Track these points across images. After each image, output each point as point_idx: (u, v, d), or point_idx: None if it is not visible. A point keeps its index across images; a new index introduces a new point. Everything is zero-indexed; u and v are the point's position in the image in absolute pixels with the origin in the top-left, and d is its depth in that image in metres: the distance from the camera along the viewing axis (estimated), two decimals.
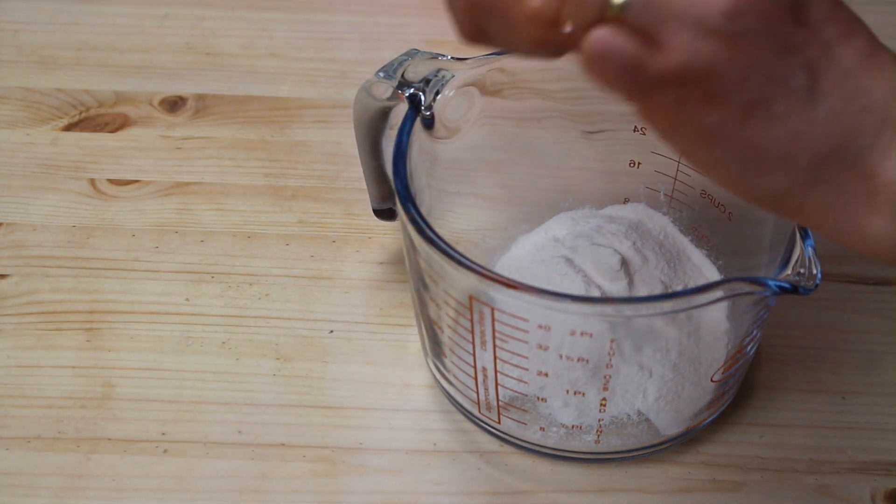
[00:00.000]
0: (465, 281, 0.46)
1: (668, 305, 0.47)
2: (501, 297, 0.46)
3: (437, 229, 0.58)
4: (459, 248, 0.59)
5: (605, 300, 0.46)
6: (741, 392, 0.56)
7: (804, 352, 0.58)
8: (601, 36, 0.36)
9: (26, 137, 0.70)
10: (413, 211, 0.48)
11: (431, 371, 0.56)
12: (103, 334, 0.59)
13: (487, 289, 0.46)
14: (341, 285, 0.61)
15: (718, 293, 0.45)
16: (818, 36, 0.36)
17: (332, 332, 0.59)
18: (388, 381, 0.57)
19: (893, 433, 0.55)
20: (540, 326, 0.46)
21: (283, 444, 0.54)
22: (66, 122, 0.71)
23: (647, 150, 0.56)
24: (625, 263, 0.53)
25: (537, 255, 0.57)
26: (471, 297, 0.47)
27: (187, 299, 0.61)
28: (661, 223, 0.58)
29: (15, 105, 0.72)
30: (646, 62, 0.36)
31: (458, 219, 0.59)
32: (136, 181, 0.67)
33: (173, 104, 0.72)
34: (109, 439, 0.54)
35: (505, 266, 0.58)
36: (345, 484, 0.53)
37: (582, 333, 0.47)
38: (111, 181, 0.67)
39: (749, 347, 0.51)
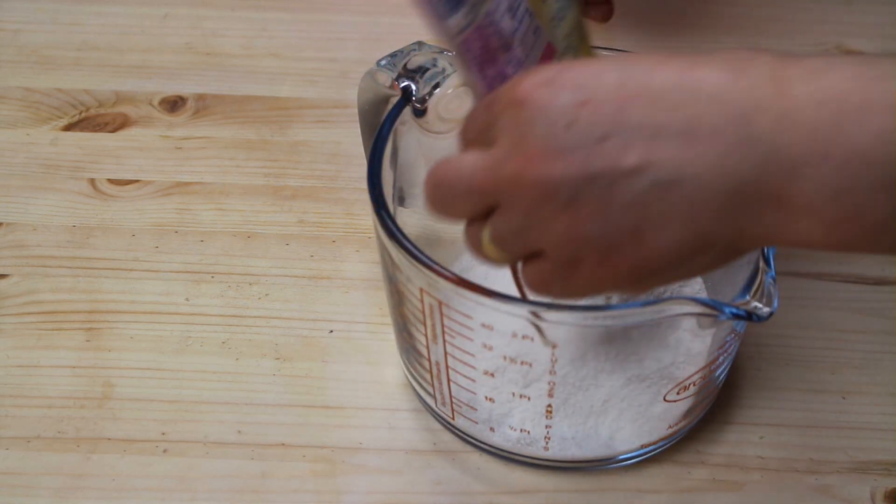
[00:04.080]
0: (414, 271, 0.47)
1: (604, 317, 0.47)
2: (446, 290, 0.46)
3: (433, 229, 0.58)
4: (454, 249, 0.59)
5: (533, 303, 0.45)
6: (741, 392, 0.56)
7: (804, 352, 0.58)
8: (523, 279, 0.42)
9: (26, 137, 0.70)
10: (373, 190, 0.48)
11: (402, 366, 0.56)
12: (103, 334, 0.59)
13: (428, 279, 0.46)
14: (341, 285, 0.61)
15: (662, 311, 0.44)
16: (600, 147, 0.37)
17: (332, 331, 0.59)
18: (388, 381, 0.57)
19: (893, 433, 0.55)
20: (483, 325, 0.46)
21: (283, 444, 0.54)
22: (66, 122, 0.71)
23: None
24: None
25: None
26: (421, 290, 0.47)
27: (187, 299, 0.61)
28: None
29: (15, 105, 0.72)
30: (547, 273, 0.40)
31: None
32: (136, 181, 0.67)
33: (173, 104, 0.72)
34: (109, 439, 0.54)
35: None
36: (345, 484, 0.53)
37: (523, 336, 0.47)
38: (111, 181, 0.67)
39: (717, 372, 0.51)
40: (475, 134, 0.41)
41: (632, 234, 0.38)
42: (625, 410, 0.50)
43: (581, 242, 0.38)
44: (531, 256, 0.41)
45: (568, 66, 0.39)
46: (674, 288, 0.56)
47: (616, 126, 0.37)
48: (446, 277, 0.45)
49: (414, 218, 0.56)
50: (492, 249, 0.41)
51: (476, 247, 0.42)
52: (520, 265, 0.42)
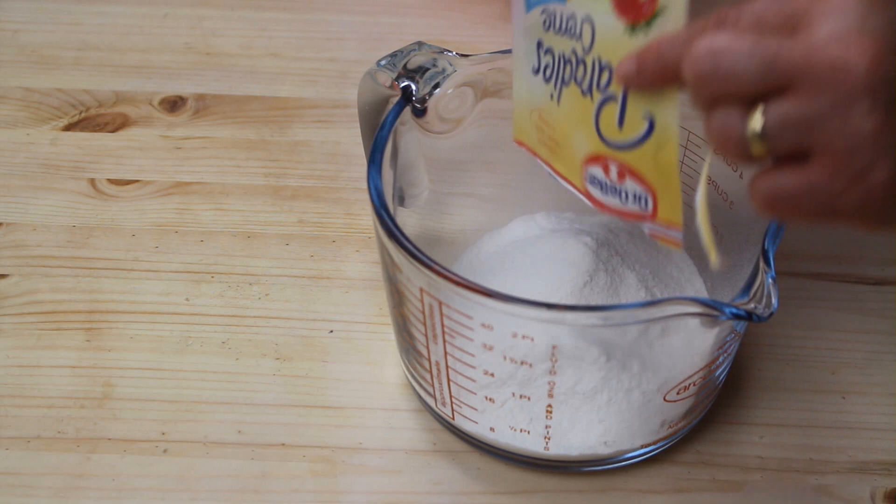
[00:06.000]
0: (414, 271, 0.47)
1: (606, 317, 0.47)
2: (446, 290, 0.46)
3: (433, 229, 0.58)
4: (454, 249, 0.59)
5: (535, 303, 0.44)
6: (741, 392, 0.56)
7: (804, 352, 0.58)
8: (762, 188, 0.38)
9: (26, 137, 0.70)
10: (373, 190, 0.48)
11: (402, 366, 0.56)
12: (103, 334, 0.59)
13: (428, 279, 0.46)
14: (341, 285, 0.61)
15: (662, 311, 0.44)
16: None
17: (332, 331, 0.59)
18: (388, 381, 0.57)
19: (893, 433, 0.55)
20: (483, 325, 0.46)
21: (283, 444, 0.54)
22: (66, 122, 0.71)
23: None
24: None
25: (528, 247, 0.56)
26: (421, 290, 0.47)
27: (187, 299, 0.61)
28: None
29: (15, 105, 0.72)
30: (816, 181, 0.37)
31: (455, 219, 0.59)
32: (136, 181, 0.67)
33: (173, 104, 0.72)
34: (109, 439, 0.54)
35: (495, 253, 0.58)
36: (345, 484, 0.53)
37: (523, 336, 0.47)
38: (111, 181, 0.67)
39: (717, 372, 0.51)
40: (754, 20, 0.38)
41: None
42: (625, 410, 0.50)
43: (882, 150, 0.36)
44: (795, 158, 0.37)
45: None
46: (675, 288, 0.56)
47: None
48: (446, 277, 0.45)
49: (414, 218, 0.56)
50: (755, 138, 0.37)
51: (729, 134, 0.38)
52: (756, 173, 0.38)
